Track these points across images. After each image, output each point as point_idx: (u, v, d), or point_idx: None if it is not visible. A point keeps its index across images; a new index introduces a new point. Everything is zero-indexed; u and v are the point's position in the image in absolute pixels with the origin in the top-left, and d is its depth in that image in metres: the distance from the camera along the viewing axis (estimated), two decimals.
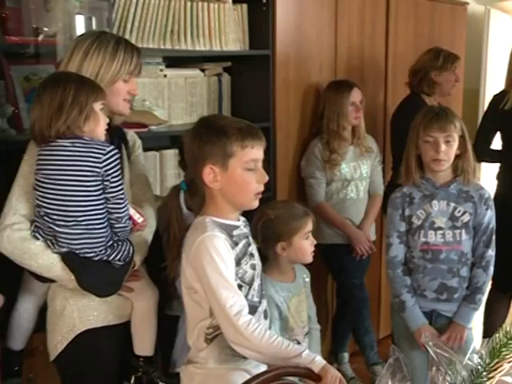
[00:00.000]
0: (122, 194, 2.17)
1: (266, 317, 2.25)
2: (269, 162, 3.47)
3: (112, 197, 2.16)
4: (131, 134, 2.58)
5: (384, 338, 4.50)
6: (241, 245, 2.12)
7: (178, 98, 3.45)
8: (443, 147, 2.69)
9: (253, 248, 2.20)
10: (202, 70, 3.60)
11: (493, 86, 5.55)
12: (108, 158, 2.10)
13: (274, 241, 2.62)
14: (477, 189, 2.81)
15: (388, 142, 4.24)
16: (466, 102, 5.10)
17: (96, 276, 2.19)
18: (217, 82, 3.65)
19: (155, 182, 3.29)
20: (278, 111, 3.68)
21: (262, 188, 2.08)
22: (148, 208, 2.44)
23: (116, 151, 2.14)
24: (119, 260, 2.23)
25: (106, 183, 2.13)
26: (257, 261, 2.21)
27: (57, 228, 2.15)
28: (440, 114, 2.72)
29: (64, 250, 2.17)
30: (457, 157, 2.78)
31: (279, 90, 3.67)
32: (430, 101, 3.98)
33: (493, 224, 2.82)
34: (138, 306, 2.39)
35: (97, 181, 2.11)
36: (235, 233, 2.13)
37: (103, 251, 2.20)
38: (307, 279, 2.80)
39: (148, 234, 2.39)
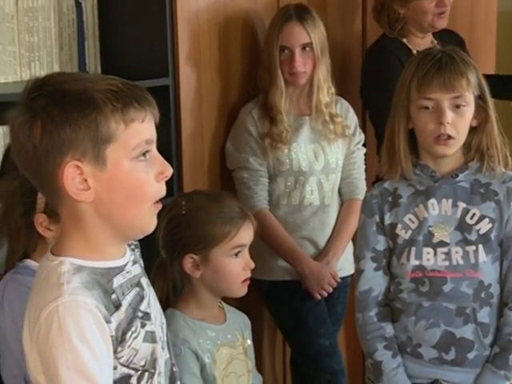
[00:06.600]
0: None
1: None
2: (168, 147, 3.00)
3: None
4: None
5: None
6: (125, 304, 1.70)
7: (3, 37, 2.90)
8: (450, 116, 2.40)
9: (149, 301, 1.76)
10: None
11: None
12: None
13: (179, 251, 2.38)
14: (503, 179, 2.52)
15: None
16: (503, 29, 4.39)
17: None
18: (74, 8, 3.11)
19: None
20: (182, 59, 3.10)
21: (164, 190, 1.73)
22: None
23: None
24: None
25: None
26: (159, 321, 1.78)
27: None
28: (443, 60, 2.42)
29: None
30: (472, 130, 2.47)
31: (183, 23, 3.08)
32: (414, 44, 3.45)
33: None
34: None
35: None
36: (117, 282, 1.70)
37: None
38: (249, 340, 2.49)
39: None
